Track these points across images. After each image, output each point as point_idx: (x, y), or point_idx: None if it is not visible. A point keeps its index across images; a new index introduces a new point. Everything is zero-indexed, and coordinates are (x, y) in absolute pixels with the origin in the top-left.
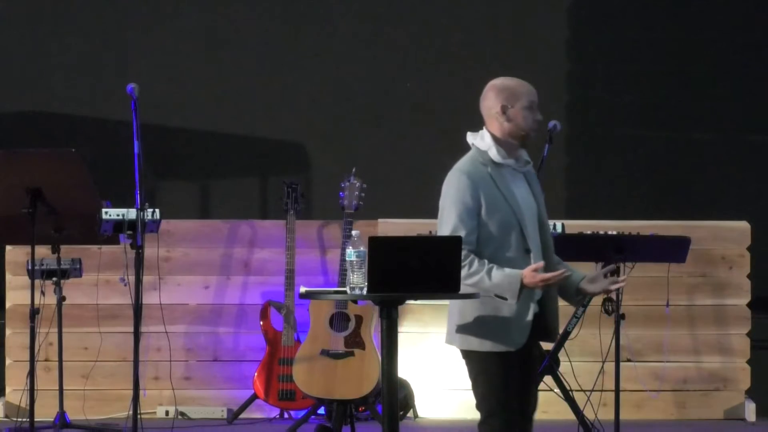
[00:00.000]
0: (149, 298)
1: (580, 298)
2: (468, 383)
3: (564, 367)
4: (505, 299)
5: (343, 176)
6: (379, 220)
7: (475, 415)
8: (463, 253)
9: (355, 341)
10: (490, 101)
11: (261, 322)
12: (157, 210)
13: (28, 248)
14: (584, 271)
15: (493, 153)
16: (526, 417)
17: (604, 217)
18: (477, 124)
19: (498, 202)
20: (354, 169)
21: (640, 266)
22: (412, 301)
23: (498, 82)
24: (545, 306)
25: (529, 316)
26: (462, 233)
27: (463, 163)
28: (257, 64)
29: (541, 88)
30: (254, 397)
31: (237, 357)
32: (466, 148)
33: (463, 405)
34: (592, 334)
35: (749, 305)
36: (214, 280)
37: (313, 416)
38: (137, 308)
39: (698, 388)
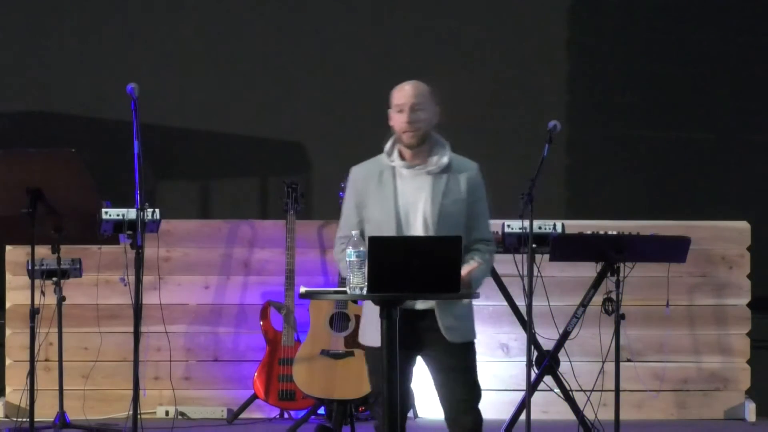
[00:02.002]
0: (149, 298)
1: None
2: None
3: (564, 367)
4: None
5: (343, 176)
6: None
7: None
8: (342, 246)
9: (355, 341)
10: None
11: (261, 322)
12: (157, 210)
13: (28, 248)
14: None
15: (385, 153)
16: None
17: (604, 217)
18: (476, 123)
19: (375, 200)
20: None
21: (640, 266)
22: None
23: None
24: (439, 304)
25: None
26: (345, 229)
27: (364, 162)
28: (257, 64)
29: (541, 88)
30: (254, 397)
31: (237, 357)
32: (464, 148)
33: None
34: (592, 334)
35: (749, 305)
36: (214, 280)
37: (313, 416)
38: (137, 308)
39: (698, 388)
